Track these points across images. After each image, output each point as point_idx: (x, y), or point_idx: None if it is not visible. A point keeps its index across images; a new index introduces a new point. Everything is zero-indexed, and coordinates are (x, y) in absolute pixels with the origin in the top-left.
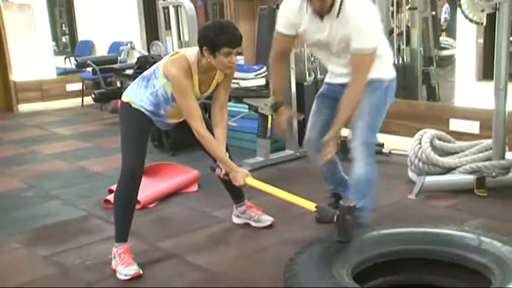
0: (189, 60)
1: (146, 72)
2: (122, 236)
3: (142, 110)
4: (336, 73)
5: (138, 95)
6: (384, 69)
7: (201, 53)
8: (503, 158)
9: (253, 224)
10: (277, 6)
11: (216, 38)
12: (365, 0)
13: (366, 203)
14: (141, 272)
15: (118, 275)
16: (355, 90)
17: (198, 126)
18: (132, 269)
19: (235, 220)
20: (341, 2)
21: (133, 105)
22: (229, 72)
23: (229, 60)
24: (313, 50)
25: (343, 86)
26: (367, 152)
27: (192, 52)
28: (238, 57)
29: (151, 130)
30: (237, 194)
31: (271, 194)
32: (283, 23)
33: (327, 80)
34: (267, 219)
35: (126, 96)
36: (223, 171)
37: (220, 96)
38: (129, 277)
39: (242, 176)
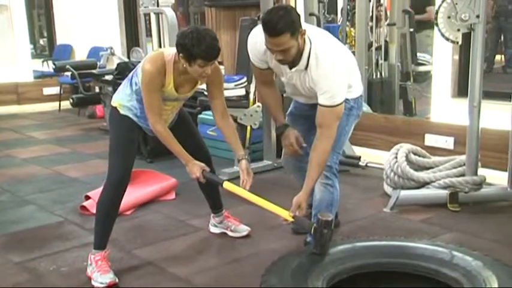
0: (164, 58)
1: (130, 73)
2: (101, 243)
3: (130, 115)
4: (300, 100)
5: (124, 95)
6: (349, 93)
7: (178, 57)
8: (475, 174)
9: (230, 233)
10: (259, 18)
11: (192, 48)
12: (333, 49)
13: None
14: (117, 280)
15: (93, 283)
16: (324, 149)
17: (156, 121)
18: (108, 277)
19: (212, 229)
20: (309, 55)
21: (121, 111)
22: (212, 80)
23: (204, 71)
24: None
25: (306, 104)
26: (327, 172)
27: (170, 51)
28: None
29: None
30: (216, 203)
31: (247, 199)
32: (254, 58)
33: (294, 98)
34: (244, 229)
35: (114, 100)
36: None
37: (217, 106)
38: (105, 285)
39: (198, 169)
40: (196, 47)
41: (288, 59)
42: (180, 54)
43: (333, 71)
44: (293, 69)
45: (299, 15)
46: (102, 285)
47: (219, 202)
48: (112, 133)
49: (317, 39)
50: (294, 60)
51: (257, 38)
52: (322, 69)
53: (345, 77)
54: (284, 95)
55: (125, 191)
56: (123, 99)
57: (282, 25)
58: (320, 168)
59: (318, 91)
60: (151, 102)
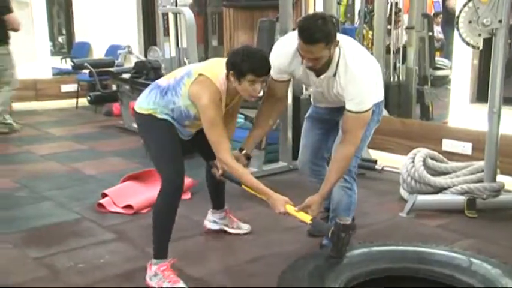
0: (218, 88)
1: (162, 83)
2: (162, 252)
3: (169, 118)
4: (320, 104)
5: (158, 106)
6: (378, 92)
7: (227, 77)
8: (494, 180)
9: (231, 230)
10: (277, 19)
11: (242, 64)
12: (362, 56)
13: None
14: None
15: None
16: (347, 155)
17: (227, 158)
18: (182, 286)
19: (210, 226)
20: (338, 61)
21: (158, 115)
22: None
23: (254, 89)
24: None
25: (326, 108)
26: (347, 177)
27: (218, 76)
28: None
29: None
30: (221, 202)
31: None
32: (276, 69)
33: (313, 102)
34: (246, 227)
35: (144, 108)
36: (220, 172)
37: (233, 106)
38: None
39: (282, 203)
40: (246, 61)
41: (317, 67)
42: (231, 72)
43: (361, 78)
44: (321, 76)
45: (336, 26)
46: None
47: (223, 199)
48: (152, 140)
49: (346, 46)
50: (322, 67)
51: (283, 49)
52: (350, 76)
53: (373, 84)
54: (301, 97)
55: (180, 198)
56: (156, 109)
57: (319, 35)
58: (340, 174)
59: (346, 97)
60: (218, 139)
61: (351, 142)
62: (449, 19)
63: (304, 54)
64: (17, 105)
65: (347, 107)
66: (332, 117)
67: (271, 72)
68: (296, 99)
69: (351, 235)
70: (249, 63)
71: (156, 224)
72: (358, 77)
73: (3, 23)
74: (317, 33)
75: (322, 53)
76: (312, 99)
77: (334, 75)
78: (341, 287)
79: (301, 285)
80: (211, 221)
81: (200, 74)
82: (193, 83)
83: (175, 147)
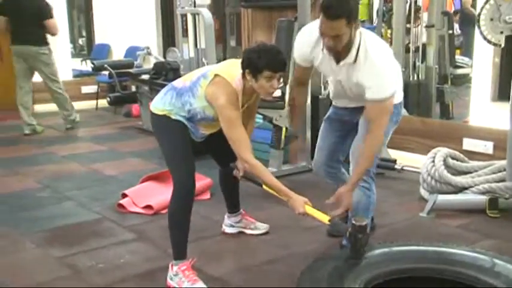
0: (235, 88)
1: (178, 84)
2: (181, 253)
3: (183, 120)
4: (339, 103)
5: (174, 107)
6: (398, 94)
7: (244, 76)
8: None
9: (249, 232)
10: (296, 19)
11: (258, 60)
12: (382, 45)
13: None
14: None
15: None
16: (375, 141)
17: (248, 157)
18: (202, 286)
19: (228, 230)
20: (358, 48)
21: (172, 116)
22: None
23: (271, 85)
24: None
25: (346, 108)
26: (366, 177)
27: (234, 76)
28: None
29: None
30: (236, 203)
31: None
32: (298, 57)
33: (333, 103)
34: (264, 226)
35: (160, 109)
36: (241, 173)
37: (251, 105)
38: None
39: (301, 204)
40: (262, 58)
41: (338, 47)
42: (247, 70)
43: (381, 65)
44: (341, 63)
45: (358, 7)
46: None
47: (238, 202)
48: (165, 140)
49: (367, 34)
50: (342, 52)
51: (305, 38)
52: (370, 62)
53: (394, 72)
54: (320, 97)
55: (193, 199)
56: (172, 111)
57: (341, 10)
58: (369, 162)
59: (365, 85)
60: (238, 138)
61: (379, 128)
62: (464, 18)
63: (326, 32)
64: (39, 107)
65: (367, 95)
66: (351, 119)
67: (296, 58)
68: (315, 99)
69: (368, 236)
70: (265, 60)
71: (172, 225)
72: (378, 63)
73: (43, 27)
74: (339, 9)
75: (343, 30)
76: (331, 96)
77: (355, 61)
78: (361, 287)
79: (320, 286)
80: (228, 225)
81: (216, 75)
82: (210, 84)
83: (187, 149)
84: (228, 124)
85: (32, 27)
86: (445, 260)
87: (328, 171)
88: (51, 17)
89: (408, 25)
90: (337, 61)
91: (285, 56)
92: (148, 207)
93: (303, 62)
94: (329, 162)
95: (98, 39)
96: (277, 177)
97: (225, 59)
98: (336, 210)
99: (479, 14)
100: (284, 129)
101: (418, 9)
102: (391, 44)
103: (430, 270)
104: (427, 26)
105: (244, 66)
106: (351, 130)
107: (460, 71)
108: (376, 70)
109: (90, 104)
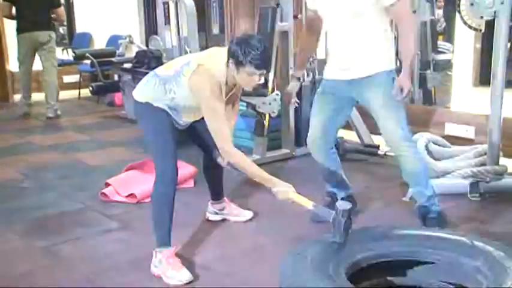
0: (218, 78)
1: (160, 72)
2: (165, 240)
3: (166, 108)
4: (339, 62)
5: (156, 95)
6: (392, 59)
7: (227, 65)
8: (497, 163)
9: (233, 219)
10: (278, 5)
11: (243, 55)
12: None
13: (430, 191)
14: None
15: (169, 280)
16: (409, 32)
17: (229, 148)
18: (186, 274)
19: (212, 217)
20: None
21: (155, 104)
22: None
23: (252, 79)
24: (327, 29)
25: (335, 81)
26: (410, 146)
27: (218, 67)
28: None
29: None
30: (220, 191)
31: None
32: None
33: (326, 76)
34: (248, 213)
35: (142, 96)
36: (225, 161)
37: (233, 95)
38: (185, 282)
39: (287, 191)
40: (246, 53)
41: None
42: (231, 60)
43: None
44: None
45: None
46: (181, 283)
47: (222, 189)
48: (148, 127)
49: None
50: None
51: None
52: None
53: None
54: (303, 84)
55: (175, 186)
56: (155, 99)
57: None
58: (412, 34)
59: None
60: (219, 129)
61: (407, 27)
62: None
63: None
64: (19, 97)
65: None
66: (343, 95)
67: (308, 4)
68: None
69: (352, 220)
70: (250, 57)
71: (155, 213)
72: None
73: (50, 15)
74: None
75: None
76: (326, 56)
77: None
78: (345, 272)
79: (304, 271)
80: (212, 212)
81: (199, 65)
82: (193, 73)
83: (170, 136)
84: (211, 115)
85: (42, 15)
86: (427, 244)
87: (322, 147)
88: (59, 5)
89: None
90: None
91: (270, 53)
92: (132, 195)
93: (312, 5)
94: (323, 137)
95: (79, 28)
96: (261, 165)
97: (207, 46)
98: (401, 93)
99: None
100: (267, 116)
101: None
102: None
103: (412, 253)
104: None
105: (229, 56)
106: (343, 107)
107: (441, 57)
108: None
109: (72, 93)
